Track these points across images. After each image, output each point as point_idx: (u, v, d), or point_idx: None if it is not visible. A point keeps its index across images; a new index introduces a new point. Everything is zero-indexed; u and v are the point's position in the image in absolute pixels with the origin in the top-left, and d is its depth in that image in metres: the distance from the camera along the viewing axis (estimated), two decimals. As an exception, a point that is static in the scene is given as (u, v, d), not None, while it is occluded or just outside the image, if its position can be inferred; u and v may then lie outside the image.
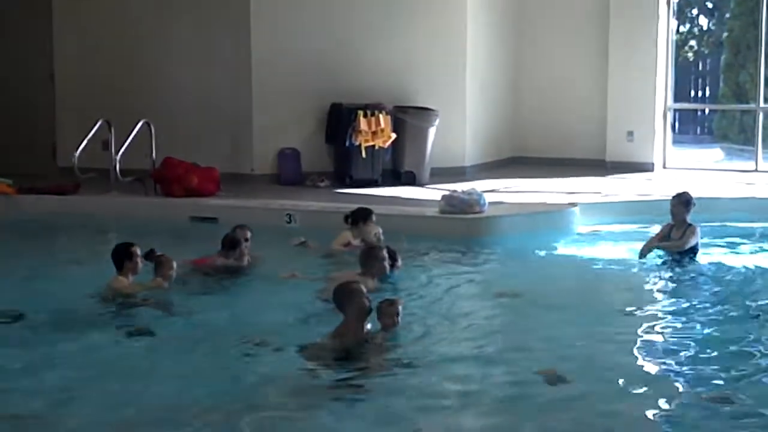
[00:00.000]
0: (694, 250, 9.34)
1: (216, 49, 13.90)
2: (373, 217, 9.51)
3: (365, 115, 13.21)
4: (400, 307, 6.71)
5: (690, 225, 9.36)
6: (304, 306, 7.56)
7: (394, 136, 13.40)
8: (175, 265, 8.03)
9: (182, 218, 11.36)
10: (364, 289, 6.59)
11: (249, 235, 8.95)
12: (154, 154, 12.62)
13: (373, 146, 13.33)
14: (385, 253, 8.16)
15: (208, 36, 13.96)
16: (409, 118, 13.65)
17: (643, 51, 15.02)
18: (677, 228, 9.37)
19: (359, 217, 9.52)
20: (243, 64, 13.72)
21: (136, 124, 12.60)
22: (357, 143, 13.24)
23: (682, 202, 9.41)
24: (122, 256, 7.85)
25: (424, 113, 13.75)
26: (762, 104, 15.68)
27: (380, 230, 9.39)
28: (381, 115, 13.28)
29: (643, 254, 9.34)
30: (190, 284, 8.28)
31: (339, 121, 13.48)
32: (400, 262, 8.48)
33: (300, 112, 13.84)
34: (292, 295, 7.93)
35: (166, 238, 8.43)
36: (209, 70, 13.97)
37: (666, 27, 15.19)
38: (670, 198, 9.54)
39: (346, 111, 13.37)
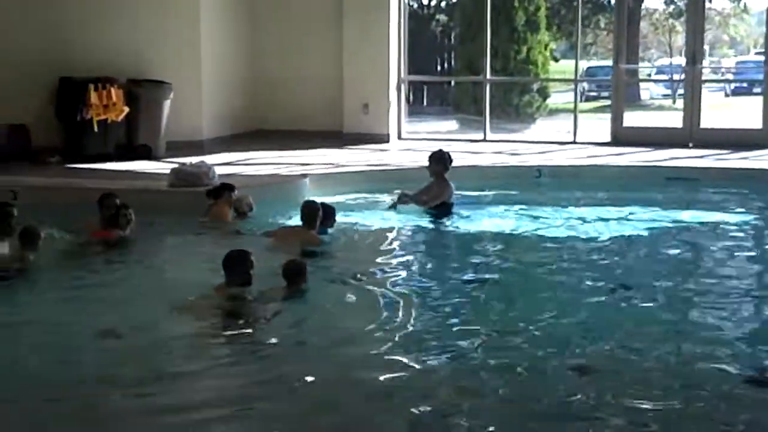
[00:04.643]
0: (447, 206, 10.15)
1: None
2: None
3: (96, 89, 12.92)
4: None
5: (444, 181, 10.25)
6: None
7: (127, 109, 13.17)
8: (43, 235, 7.89)
9: None
10: (254, 260, 6.98)
11: (118, 201, 8.95)
12: None
13: (106, 120, 13.06)
14: (321, 211, 8.89)
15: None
16: (142, 92, 13.44)
17: (376, 23, 15.30)
18: (436, 185, 10.28)
19: (224, 189, 9.89)
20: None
21: None
22: (88, 117, 12.94)
23: (433, 158, 10.46)
24: None
25: (158, 87, 13.58)
26: (489, 76, 16.40)
27: (250, 198, 9.89)
28: (113, 89, 13.03)
29: (394, 205, 10.23)
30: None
31: (69, 95, 13.12)
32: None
33: (28, 86, 13.42)
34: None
35: None
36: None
37: (398, -1, 15.55)
38: None
39: (77, 85, 13.04)
